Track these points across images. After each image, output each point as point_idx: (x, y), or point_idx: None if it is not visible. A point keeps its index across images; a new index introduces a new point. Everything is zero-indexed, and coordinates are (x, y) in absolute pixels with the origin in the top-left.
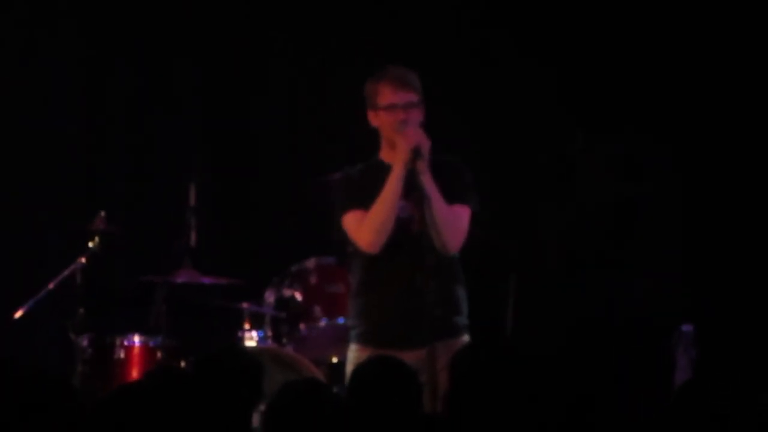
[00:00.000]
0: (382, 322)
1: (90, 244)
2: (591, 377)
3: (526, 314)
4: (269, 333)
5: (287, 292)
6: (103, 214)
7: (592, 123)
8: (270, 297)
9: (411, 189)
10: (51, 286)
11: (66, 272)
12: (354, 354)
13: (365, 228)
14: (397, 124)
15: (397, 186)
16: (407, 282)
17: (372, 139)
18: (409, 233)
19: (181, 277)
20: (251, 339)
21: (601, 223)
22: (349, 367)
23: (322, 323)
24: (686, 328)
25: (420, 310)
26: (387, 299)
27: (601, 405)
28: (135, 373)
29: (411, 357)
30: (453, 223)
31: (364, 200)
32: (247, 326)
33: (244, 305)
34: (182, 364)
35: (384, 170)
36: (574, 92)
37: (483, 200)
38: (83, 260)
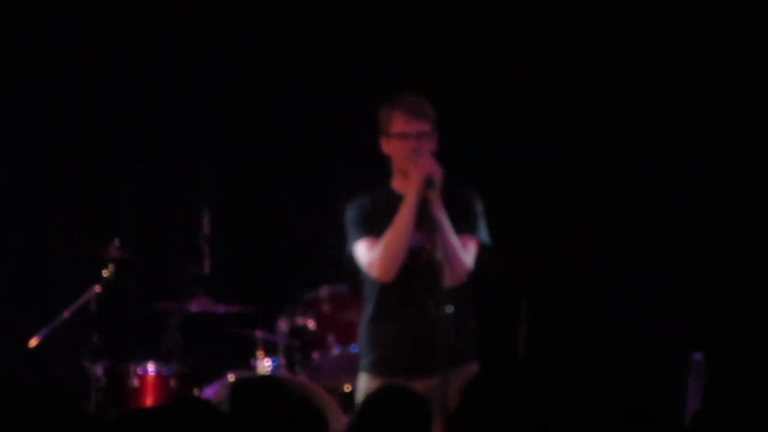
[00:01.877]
0: (394, 351)
1: (104, 272)
2: (602, 404)
3: (538, 340)
4: (283, 361)
5: (300, 320)
6: (117, 241)
7: (604, 148)
8: (283, 325)
9: (423, 218)
10: (66, 314)
11: (81, 300)
12: (365, 383)
13: (378, 257)
14: (410, 152)
15: (410, 215)
16: (419, 311)
17: (385, 166)
18: (420, 262)
19: (195, 305)
20: (265, 367)
21: (611, 248)
22: (360, 397)
23: (335, 351)
24: (697, 356)
25: (431, 338)
26: (398, 328)
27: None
28: (149, 401)
29: (422, 385)
30: (459, 255)
31: (376, 229)
32: (260, 354)
33: (258, 333)
34: (195, 391)
35: (396, 199)
36: (585, 117)
37: (494, 225)
38: (98, 288)
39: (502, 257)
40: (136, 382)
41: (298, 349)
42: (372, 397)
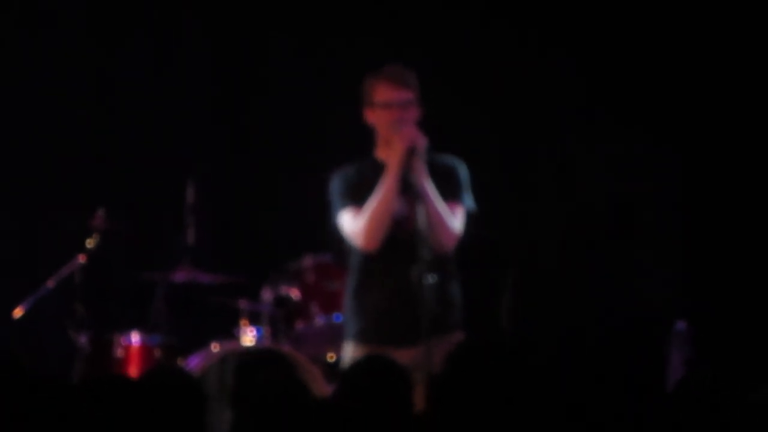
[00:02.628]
0: (378, 320)
1: (89, 242)
2: (585, 374)
3: (523, 310)
4: (267, 331)
5: (284, 290)
6: (102, 211)
7: (592, 120)
8: (267, 295)
9: (407, 187)
10: (50, 284)
11: (65, 270)
12: (350, 352)
13: (362, 226)
14: (393, 122)
15: (393, 184)
16: (402, 280)
17: (369, 136)
18: (405, 231)
19: (180, 275)
20: (249, 336)
21: (598, 220)
22: (345, 365)
23: (319, 321)
24: (680, 326)
25: (415, 307)
26: (382, 297)
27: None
28: (133, 371)
29: (407, 354)
30: (447, 222)
31: (360, 198)
32: (244, 324)
33: (242, 303)
34: (180, 361)
35: (380, 168)
36: (574, 88)
37: (481, 195)
38: (82, 258)
39: (489, 227)
40: (120, 352)
41: (282, 318)
42: (354, 368)
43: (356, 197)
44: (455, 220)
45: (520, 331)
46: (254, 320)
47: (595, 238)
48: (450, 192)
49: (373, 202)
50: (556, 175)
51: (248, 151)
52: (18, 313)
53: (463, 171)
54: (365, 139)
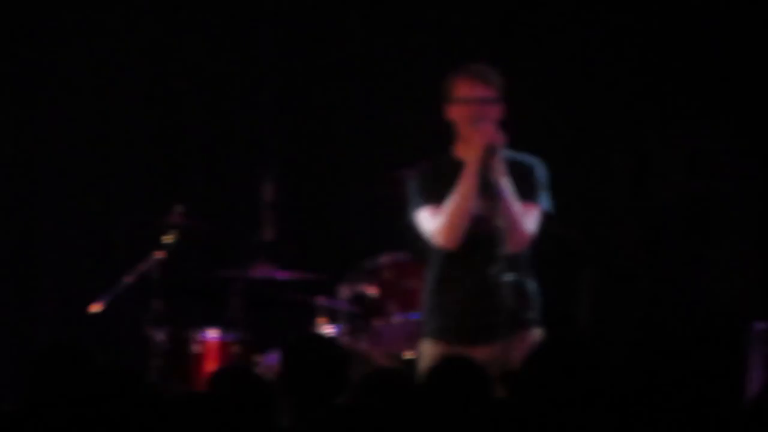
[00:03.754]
0: (456, 318)
1: (167, 238)
2: (662, 373)
3: (601, 309)
4: (344, 328)
5: (362, 288)
6: (181, 208)
7: (670, 117)
8: (345, 292)
9: (485, 186)
10: (128, 279)
11: (143, 266)
12: (428, 349)
13: (441, 225)
14: (472, 118)
15: (471, 183)
16: (480, 278)
17: (446, 133)
18: (483, 230)
19: (257, 272)
20: (326, 334)
21: (676, 218)
22: (423, 363)
23: (396, 318)
24: (759, 326)
25: (492, 305)
26: (460, 296)
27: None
28: (210, 367)
29: (484, 351)
30: (521, 223)
31: (437, 196)
32: (322, 321)
33: (319, 300)
34: (257, 358)
35: (458, 165)
36: (652, 85)
37: (559, 194)
38: (160, 254)
39: (567, 226)
40: (197, 348)
41: (359, 315)
42: (434, 367)
43: (434, 195)
44: (530, 220)
45: (597, 329)
46: (331, 318)
47: (673, 237)
48: (527, 192)
49: (452, 201)
50: (633, 173)
51: (326, 148)
52: (95, 308)
53: (541, 171)
54: (443, 135)
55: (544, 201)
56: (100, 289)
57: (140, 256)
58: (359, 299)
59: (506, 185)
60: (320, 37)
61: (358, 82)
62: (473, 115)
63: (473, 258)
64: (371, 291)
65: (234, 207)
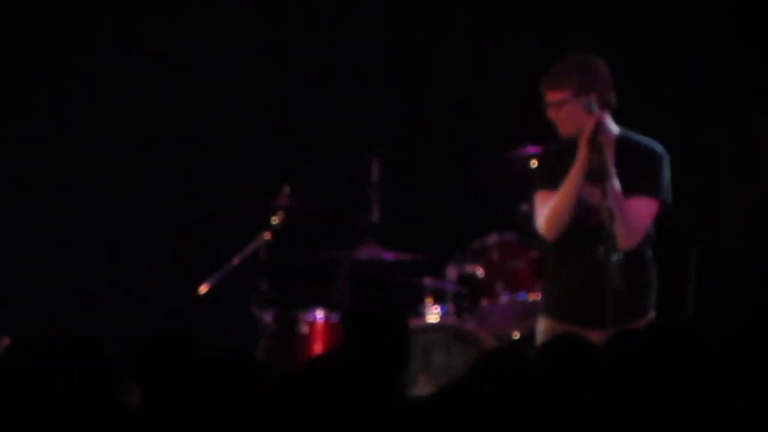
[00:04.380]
0: (569, 300)
1: (274, 219)
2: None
3: (708, 293)
4: (451, 308)
5: (469, 268)
6: (287, 189)
7: None
8: (452, 273)
9: (599, 176)
10: (236, 261)
11: (250, 247)
12: (541, 325)
13: (545, 217)
14: (556, 121)
15: (576, 182)
16: (591, 260)
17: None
18: (593, 216)
19: (364, 253)
20: (433, 314)
21: None
22: (540, 338)
23: (504, 299)
24: None
25: (603, 287)
26: (572, 278)
27: None
28: (318, 348)
29: (596, 336)
30: (631, 220)
31: (555, 181)
32: (429, 301)
33: (426, 281)
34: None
35: (576, 149)
36: (761, 67)
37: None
38: (267, 235)
39: (674, 209)
40: (305, 329)
41: (467, 296)
42: (549, 343)
43: (551, 179)
44: (640, 217)
45: (704, 314)
46: (439, 298)
47: None
48: (640, 183)
49: (558, 196)
50: (741, 155)
51: (434, 129)
52: (203, 289)
53: (658, 159)
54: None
55: (662, 193)
56: (208, 271)
57: (248, 237)
58: (466, 280)
59: (614, 188)
60: (428, 16)
61: (467, 59)
62: (554, 117)
63: (589, 246)
64: (478, 271)
65: (341, 188)
